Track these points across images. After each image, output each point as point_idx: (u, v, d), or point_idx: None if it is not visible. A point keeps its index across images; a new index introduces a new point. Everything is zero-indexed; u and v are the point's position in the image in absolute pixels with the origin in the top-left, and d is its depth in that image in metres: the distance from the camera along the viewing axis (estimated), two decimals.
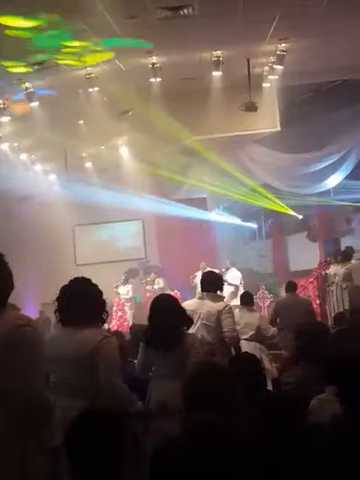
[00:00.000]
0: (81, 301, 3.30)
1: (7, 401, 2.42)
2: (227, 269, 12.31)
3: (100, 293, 3.43)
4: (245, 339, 6.74)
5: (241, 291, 11.63)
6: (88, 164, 12.94)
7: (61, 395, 3.14)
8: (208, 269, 7.71)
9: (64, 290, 3.40)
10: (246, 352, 4.05)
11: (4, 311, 2.54)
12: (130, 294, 12.85)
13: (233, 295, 11.73)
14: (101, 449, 2.11)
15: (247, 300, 7.38)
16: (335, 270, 10.21)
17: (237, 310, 7.16)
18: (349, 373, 2.26)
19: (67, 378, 3.20)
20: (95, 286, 3.42)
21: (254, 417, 2.56)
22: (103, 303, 3.41)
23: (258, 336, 6.95)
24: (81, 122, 10.82)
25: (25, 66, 8.47)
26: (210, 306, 5.34)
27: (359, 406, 2.18)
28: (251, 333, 6.88)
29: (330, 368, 2.86)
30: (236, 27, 8.20)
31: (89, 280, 3.43)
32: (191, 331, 4.73)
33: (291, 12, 7.81)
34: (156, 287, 12.62)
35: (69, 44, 8.04)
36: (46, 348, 2.89)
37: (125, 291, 12.81)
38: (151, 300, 4.44)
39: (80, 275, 3.53)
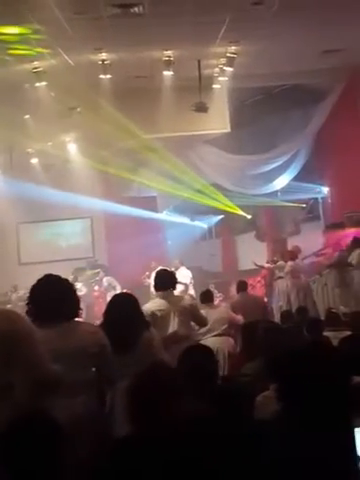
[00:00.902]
0: (63, 297, 3.26)
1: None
2: (176, 268, 12.36)
3: (73, 287, 3.44)
4: (217, 335, 6.77)
5: (191, 290, 11.74)
6: (34, 160, 12.64)
7: (60, 396, 2.98)
8: (160, 267, 7.69)
9: (40, 289, 3.30)
10: (198, 345, 4.05)
11: None
12: (82, 292, 12.73)
13: (183, 294, 11.79)
14: (38, 456, 2.05)
15: (208, 298, 7.39)
16: (281, 268, 10.41)
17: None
18: (286, 370, 2.30)
19: (66, 375, 3.05)
20: (66, 281, 3.40)
21: (202, 412, 2.59)
22: (77, 297, 3.41)
23: (230, 329, 6.97)
24: (27, 117, 10.56)
25: None
26: (179, 301, 5.39)
27: (294, 404, 2.21)
28: (223, 327, 6.89)
29: (271, 365, 2.93)
30: (187, 28, 8.25)
31: (59, 276, 3.38)
32: (171, 329, 4.96)
33: (241, 15, 7.93)
34: (103, 287, 12.56)
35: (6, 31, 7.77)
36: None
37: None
38: (99, 300, 4.40)
39: (26, 274, 3.47)
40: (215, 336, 6.68)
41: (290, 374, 2.21)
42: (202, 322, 5.68)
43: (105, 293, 12.17)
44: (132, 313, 3.94)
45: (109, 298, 12.61)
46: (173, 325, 5.11)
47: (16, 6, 6.87)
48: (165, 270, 6.07)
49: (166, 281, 5.46)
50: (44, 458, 2.06)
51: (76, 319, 3.34)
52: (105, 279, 12.71)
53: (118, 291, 10.90)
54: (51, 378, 2.80)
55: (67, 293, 3.32)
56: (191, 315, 5.36)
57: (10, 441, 2.09)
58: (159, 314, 5.06)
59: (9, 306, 10.00)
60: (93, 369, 3.27)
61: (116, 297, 4.24)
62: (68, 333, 3.22)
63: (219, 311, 7.22)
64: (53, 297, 3.24)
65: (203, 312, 6.82)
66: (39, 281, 3.34)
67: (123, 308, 3.98)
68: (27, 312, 3.28)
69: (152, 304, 5.21)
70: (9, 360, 2.66)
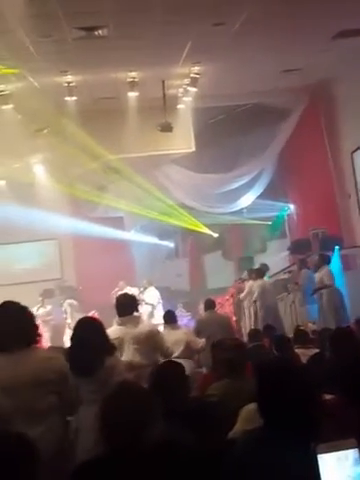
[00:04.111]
0: (19, 324, 3.19)
1: None
2: (145, 288, 12.34)
3: (31, 313, 3.36)
4: (175, 357, 6.74)
5: (159, 310, 11.71)
6: (1, 182, 12.56)
7: (17, 423, 2.95)
8: (120, 292, 7.63)
9: None
10: (169, 361, 4.03)
11: None
12: (52, 315, 12.58)
13: (150, 315, 11.77)
14: (13, 473, 2.03)
15: (170, 318, 7.35)
16: (249, 287, 10.46)
17: (162, 329, 7.17)
18: (265, 387, 2.33)
19: (24, 403, 3.05)
20: (25, 308, 3.32)
21: (174, 429, 2.58)
22: (35, 322, 3.35)
23: (188, 351, 6.93)
24: None
25: None
26: (135, 329, 5.26)
27: (276, 421, 2.24)
28: (181, 349, 6.85)
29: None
30: (150, 49, 8.36)
31: (15, 302, 3.32)
32: (124, 358, 4.78)
33: (203, 37, 8.08)
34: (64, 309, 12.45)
35: None
36: None
37: (45, 313, 12.50)
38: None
39: None
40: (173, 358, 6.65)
41: (268, 390, 2.24)
42: (164, 350, 5.38)
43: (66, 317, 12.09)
44: (95, 337, 3.89)
45: (70, 321, 12.37)
46: (127, 354, 4.98)
47: None
48: (125, 295, 5.93)
49: (125, 307, 5.36)
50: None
51: (33, 345, 3.27)
52: (67, 302, 12.57)
53: (79, 314, 10.75)
54: None
55: (24, 320, 3.25)
56: (148, 342, 5.19)
57: None
58: (114, 342, 5.00)
59: None
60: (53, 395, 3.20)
61: (80, 321, 4.17)
62: (24, 360, 3.15)
63: (177, 333, 7.15)
64: (9, 324, 3.19)
65: (165, 332, 6.83)
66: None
67: (86, 332, 3.94)
68: None
69: (108, 331, 5.14)
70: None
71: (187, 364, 6.73)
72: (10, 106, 9.28)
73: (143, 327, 5.35)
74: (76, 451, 3.35)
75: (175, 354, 6.66)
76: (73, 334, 4.05)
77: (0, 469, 2.03)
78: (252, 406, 3.17)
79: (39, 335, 3.33)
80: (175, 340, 6.84)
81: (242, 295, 10.53)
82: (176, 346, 6.81)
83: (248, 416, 3.14)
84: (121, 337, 5.09)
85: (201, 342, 7.16)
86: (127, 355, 4.97)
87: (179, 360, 6.67)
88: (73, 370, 3.76)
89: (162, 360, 5.11)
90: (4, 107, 9.29)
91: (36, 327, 3.33)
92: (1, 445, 2.11)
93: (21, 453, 2.10)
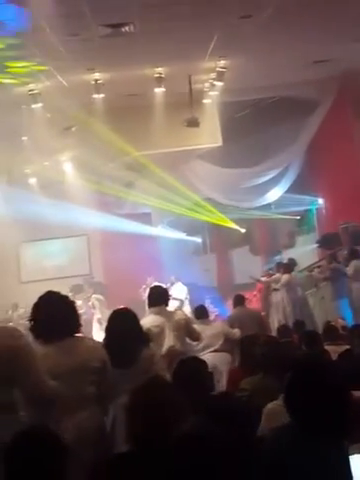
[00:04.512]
0: (65, 314, 3.27)
1: None
2: (172, 284, 12.36)
3: (73, 302, 3.45)
4: (214, 351, 6.71)
5: (186, 306, 11.73)
6: (32, 180, 12.75)
7: (65, 411, 3.04)
8: (154, 284, 7.72)
9: (42, 306, 3.31)
10: (190, 357, 4.04)
11: None
12: (82, 310, 12.73)
13: (177, 310, 11.76)
14: (42, 468, 2.06)
15: (202, 313, 7.27)
16: (277, 281, 10.37)
17: (195, 325, 7.17)
18: (295, 385, 2.31)
19: (72, 390, 3.11)
20: (67, 297, 3.42)
21: (198, 424, 2.58)
22: (78, 313, 3.43)
23: (227, 344, 6.85)
24: (25, 138, 10.68)
25: None
26: (173, 316, 5.43)
27: (306, 420, 2.22)
28: (220, 342, 6.79)
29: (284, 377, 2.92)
30: (177, 44, 8.34)
31: (60, 293, 3.40)
32: (166, 344, 4.94)
33: (230, 30, 8.02)
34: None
35: (12, 64, 7.94)
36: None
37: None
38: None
39: (25, 293, 3.48)
40: (212, 352, 6.61)
41: (298, 388, 2.22)
42: (196, 337, 5.74)
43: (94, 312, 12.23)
44: (131, 328, 3.94)
45: (100, 316, 12.55)
46: (169, 340, 5.14)
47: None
48: (158, 286, 6.14)
49: (159, 297, 5.51)
50: (47, 474, 2.07)
51: (77, 335, 3.36)
52: (94, 297, 12.71)
53: (108, 310, 10.84)
54: (48, 395, 2.91)
55: (68, 309, 3.33)
56: (185, 330, 5.41)
57: (14, 456, 2.10)
58: (155, 330, 5.07)
59: (10, 324, 9.97)
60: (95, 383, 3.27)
61: (115, 313, 4.21)
62: (71, 349, 3.23)
63: (214, 327, 7.14)
64: (55, 314, 3.25)
65: (198, 328, 6.81)
66: (41, 298, 3.35)
67: (122, 323, 3.98)
68: (30, 329, 3.31)
69: (147, 320, 5.20)
70: (12, 375, 2.79)
71: (226, 358, 6.73)
72: (39, 105, 9.40)
73: (180, 314, 5.65)
74: (114, 441, 3.40)
75: (214, 347, 6.67)
76: (108, 326, 4.09)
77: (31, 465, 2.07)
78: (274, 404, 3.17)
79: (80, 324, 3.40)
80: (212, 334, 6.82)
81: (276, 285, 10.36)
82: (214, 339, 6.81)
83: (272, 414, 3.14)
84: (161, 325, 5.23)
85: (237, 332, 7.09)
86: (168, 342, 5.14)
87: (219, 354, 6.74)
88: (110, 361, 3.81)
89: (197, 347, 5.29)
90: (34, 106, 9.41)
91: (78, 317, 3.41)
92: (32, 440, 2.15)
93: (51, 448, 2.13)
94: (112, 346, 3.83)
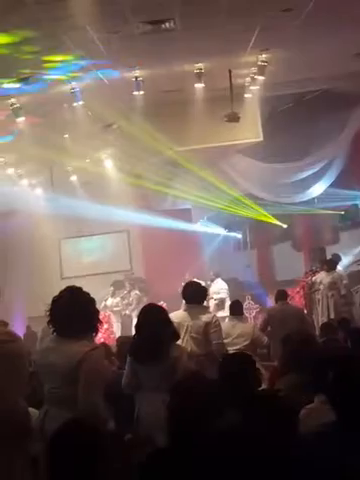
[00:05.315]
0: (72, 311, 3.26)
1: None
2: (212, 280, 12.32)
3: (91, 302, 3.37)
4: (237, 350, 6.67)
5: (227, 302, 11.65)
6: (73, 177, 12.95)
7: (52, 406, 3.18)
8: (188, 280, 7.64)
9: (55, 300, 3.37)
10: (240, 352, 3.99)
11: None
12: (120, 306, 12.89)
13: (219, 306, 11.72)
14: (83, 460, 2.09)
15: (237, 309, 7.20)
16: (321, 279, 10.21)
17: (227, 320, 7.11)
18: (341, 382, 2.27)
19: (57, 389, 3.19)
20: (86, 295, 3.38)
21: (240, 420, 2.55)
22: (95, 312, 3.37)
23: (252, 346, 6.80)
24: (66, 136, 10.85)
25: (11, 81, 8.48)
26: (197, 318, 5.32)
27: (351, 414, 2.18)
28: (245, 343, 6.72)
29: (320, 377, 2.87)
30: (217, 39, 8.27)
31: (80, 289, 3.40)
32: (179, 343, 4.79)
33: (271, 23, 7.90)
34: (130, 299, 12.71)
35: (51, 58, 8.04)
36: (39, 359, 3.28)
37: (114, 303, 12.87)
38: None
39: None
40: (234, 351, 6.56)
41: (345, 387, 2.18)
42: (216, 340, 5.37)
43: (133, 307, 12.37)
44: (159, 323, 3.93)
45: (135, 313, 12.65)
46: (182, 342, 4.99)
47: (53, 29, 7.04)
48: (191, 284, 5.97)
49: (194, 295, 5.47)
50: (90, 464, 2.10)
51: (90, 334, 3.33)
52: (133, 293, 12.85)
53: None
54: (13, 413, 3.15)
55: (78, 309, 3.28)
56: (207, 334, 5.25)
57: (61, 445, 2.15)
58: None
59: None
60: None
61: (144, 309, 4.21)
62: (63, 348, 3.23)
63: (245, 326, 7.06)
64: (64, 312, 3.29)
65: (231, 323, 6.75)
66: (59, 293, 3.42)
67: (150, 318, 3.99)
68: (47, 323, 3.38)
69: (171, 315, 5.17)
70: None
71: None
72: (81, 103, 9.51)
73: (206, 318, 5.38)
74: (137, 435, 3.44)
75: (238, 347, 6.60)
76: (138, 321, 4.09)
77: (74, 452, 2.10)
78: (311, 406, 3.11)
79: (100, 323, 3.38)
80: (240, 333, 6.77)
81: (319, 286, 10.17)
82: (241, 338, 6.74)
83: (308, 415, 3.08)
84: (181, 323, 5.17)
85: (265, 339, 7.04)
86: (182, 342, 5.00)
87: None
88: (138, 357, 3.81)
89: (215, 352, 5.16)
90: (75, 104, 9.54)
91: (90, 316, 3.33)
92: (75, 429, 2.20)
93: (98, 443, 2.16)
94: (140, 342, 3.84)
